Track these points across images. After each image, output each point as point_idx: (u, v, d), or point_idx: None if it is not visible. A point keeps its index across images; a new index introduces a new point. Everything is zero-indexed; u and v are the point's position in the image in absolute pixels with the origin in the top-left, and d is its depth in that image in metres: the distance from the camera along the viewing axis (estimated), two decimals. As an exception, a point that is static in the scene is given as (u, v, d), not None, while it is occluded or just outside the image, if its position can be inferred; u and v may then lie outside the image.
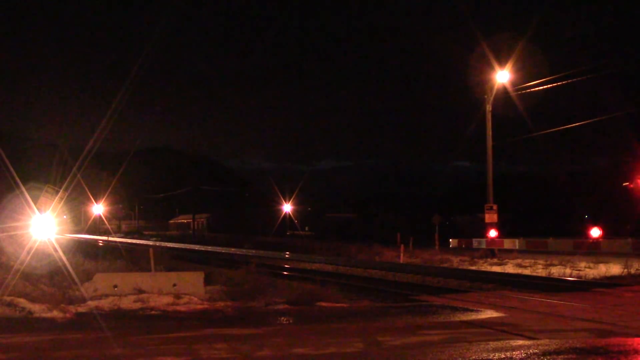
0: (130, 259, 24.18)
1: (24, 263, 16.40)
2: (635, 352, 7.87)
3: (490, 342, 8.33)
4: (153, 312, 11.92)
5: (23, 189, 24.01)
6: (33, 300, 12.15)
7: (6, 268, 16.54)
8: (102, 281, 14.15)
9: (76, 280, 14.80)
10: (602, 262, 24.70)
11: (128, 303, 12.65)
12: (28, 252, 18.41)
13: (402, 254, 31.51)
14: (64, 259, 18.24)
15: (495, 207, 33.60)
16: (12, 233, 23.02)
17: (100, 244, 47.96)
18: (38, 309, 11.41)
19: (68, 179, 31.69)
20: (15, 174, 24.00)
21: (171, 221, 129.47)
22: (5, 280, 13.38)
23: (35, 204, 24.06)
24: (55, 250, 20.07)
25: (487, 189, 33.73)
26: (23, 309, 11.39)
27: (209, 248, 51.34)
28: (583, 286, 17.15)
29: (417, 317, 11.22)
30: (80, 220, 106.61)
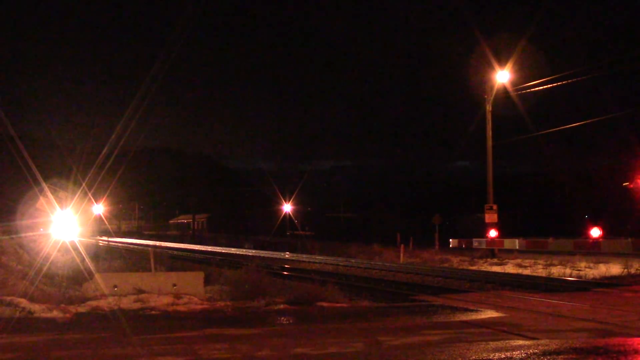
0: (131, 259, 24.19)
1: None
2: (635, 352, 7.87)
3: (490, 342, 8.33)
4: (153, 312, 11.92)
5: (44, 185, 23.99)
6: (33, 300, 12.14)
7: (8, 269, 16.50)
8: (102, 281, 14.15)
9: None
10: (602, 262, 24.73)
11: (128, 303, 12.64)
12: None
13: (402, 254, 31.55)
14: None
15: (495, 207, 33.63)
16: (22, 235, 22.89)
17: (100, 244, 47.97)
18: (38, 309, 11.40)
19: (86, 180, 31.68)
20: (37, 173, 24.02)
21: (171, 221, 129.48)
22: (6, 281, 13.38)
23: (47, 203, 24.05)
24: (76, 250, 19.97)
25: (487, 189, 33.76)
26: (23, 309, 11.38)
27: (209, 248, 51.39)
28: (583, 286, 17.16)
29: (417, 317, 11.22)
30: (82, 221, 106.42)
